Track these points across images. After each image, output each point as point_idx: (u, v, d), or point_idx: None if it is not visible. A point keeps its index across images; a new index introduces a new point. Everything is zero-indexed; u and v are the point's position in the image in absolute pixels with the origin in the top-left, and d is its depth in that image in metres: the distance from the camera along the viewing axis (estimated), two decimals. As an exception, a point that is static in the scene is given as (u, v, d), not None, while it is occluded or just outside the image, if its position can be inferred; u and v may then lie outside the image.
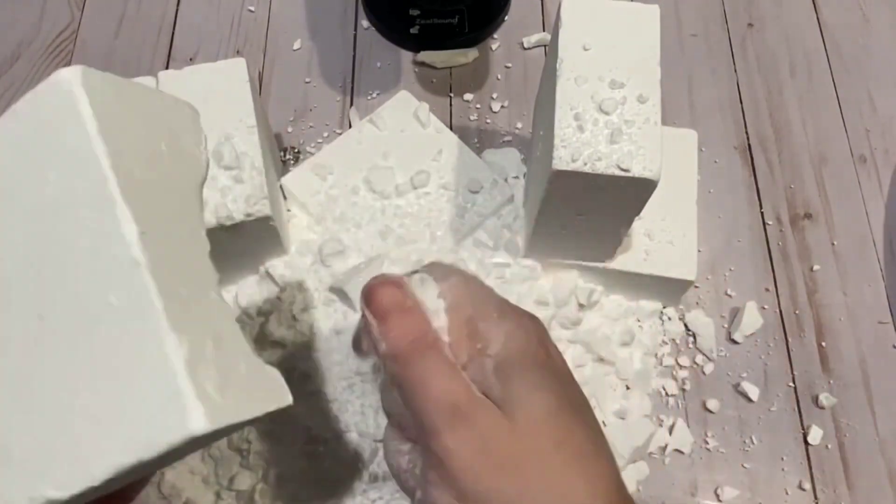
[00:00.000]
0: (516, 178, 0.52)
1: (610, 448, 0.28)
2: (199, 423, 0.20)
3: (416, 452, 0.29)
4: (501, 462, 0.25)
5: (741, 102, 0.58)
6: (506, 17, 0.61)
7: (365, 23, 0.61)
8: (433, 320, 0.28)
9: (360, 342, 0.31)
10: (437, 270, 0.30)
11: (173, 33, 0.61)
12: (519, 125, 0.57)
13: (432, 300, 0.28)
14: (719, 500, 0.46)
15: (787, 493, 0.46)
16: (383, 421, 0.44)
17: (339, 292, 0.46)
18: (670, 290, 0.48)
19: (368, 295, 0.28)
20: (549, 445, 0.26)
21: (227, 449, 0.44)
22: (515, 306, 0.30)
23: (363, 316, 0.29)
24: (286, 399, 0.25)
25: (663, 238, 0.47)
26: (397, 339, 0.27)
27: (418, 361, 0.27)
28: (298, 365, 0.45)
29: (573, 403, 0.28)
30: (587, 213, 0.41)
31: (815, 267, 0.52)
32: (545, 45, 0.60)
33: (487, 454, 0.25)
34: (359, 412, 0.44)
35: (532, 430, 0.26)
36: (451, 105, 0.58)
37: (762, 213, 0.54)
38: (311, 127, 0.57)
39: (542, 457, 0.26)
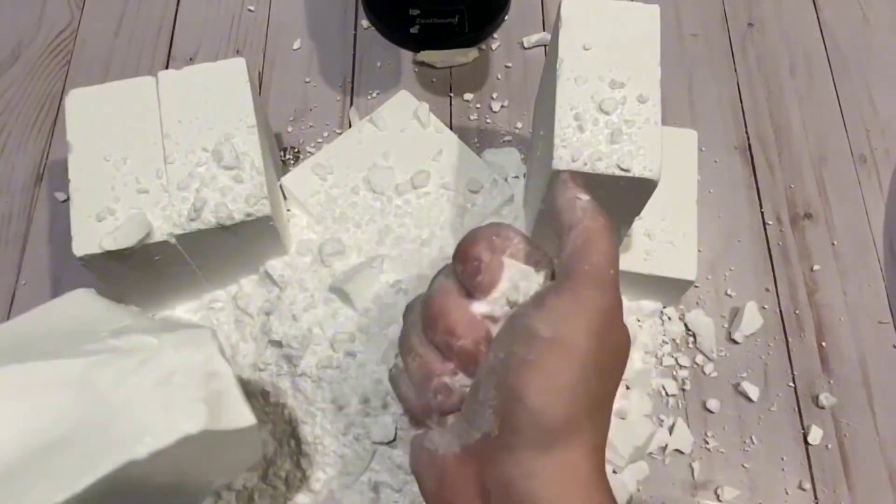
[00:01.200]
0: (516, 178, 0.52)
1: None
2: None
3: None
4: (595, 332, 0.28)
5: (741, 102, 0.58)
6: (506, 17, 0.61)
7: (365, 23, 0.61)
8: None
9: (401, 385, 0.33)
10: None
11: (173, 33, 0.61)
12: (519, 125, 0.57)
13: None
14: (719, 500, 0.46)
15: (787, 493, 0.46)
16: (383, 421, 0.44)
17: (339, 292, 0.46)
18: (670, 290, 0.48)
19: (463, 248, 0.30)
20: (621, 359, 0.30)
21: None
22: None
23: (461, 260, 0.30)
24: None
25: (663, 238, 0.47)
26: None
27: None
28: (298, 365, 0.45)
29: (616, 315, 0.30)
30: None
31: (815, 267, 0.52)
32: (545, 45, 0.60)
33: (589, 321, 0.28)
34: (359, 412, 0.44)
35: (622, 348, 0.30)
36: (451, 105, 0.58)
37: (762, 213, 0.54)
38: (311, 127, 0.57)
39: (614, 365, 0.29)
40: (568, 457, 0.27)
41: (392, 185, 0.50)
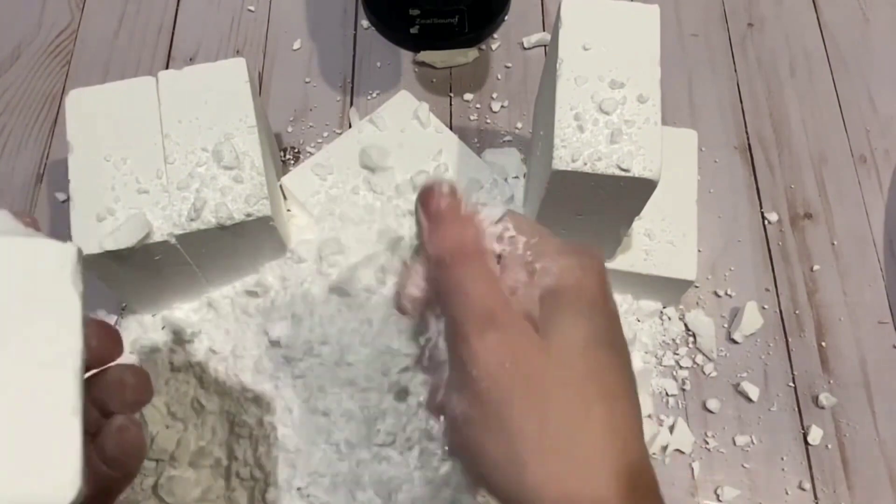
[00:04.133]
0: (516, 178, 0.52)
1: (638, 393, 0.27)
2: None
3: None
4: (526, 377, 0.25)
5: (741, 102, 0.58)
6: (506, 17, 0.61)
7: (365, 23, 0.61)
8: (490, 242, 0.28)
9: (404, 287, 0.30)
10: (510, 214, 0.30)
11: (173, 33, 0.61)
12: (519, 125, 0.57)
13: (491, 221, 0.28)
14: (719, 500, 0.46)
15: (787, 493, 0.46)
16: (383, 421, 0.44)
17: (340, 291, 0.46)
18: (670, 290, 0.48)
19: (425, 196, 0.28)
20: (578, 375, 0.26)
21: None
22: (578, 244, 0.29)
23: (417, 221, 0.28)
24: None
25: (663, 238, 0.47)
26: (443, 242, 0.27)
27: (460, 266, 0.27)
28: (297, 365, 0.45)
29: (613, 344, 0.27)
30: (587, 213, 0.41)
31: (815, 267, 0.52)
32: (545, 45, 0.60)
33: (513, 366, 0.25)
34: (359, 411, 0.44)
35: (564, 356, 0.26)
36: (451, 105, 0.58)
37: (762, 213, 0.54)
38: (311, 127, 0.57)
39: (567, 383, 0.25)
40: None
41: (392, 186, 0.50)
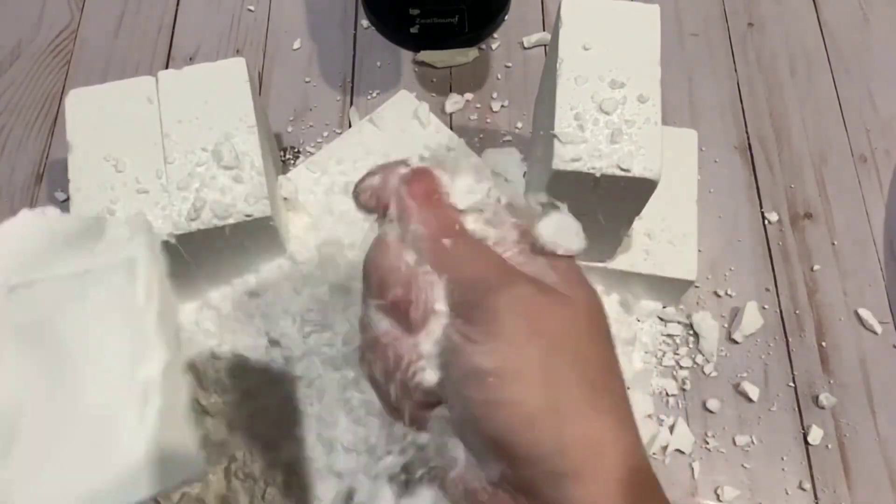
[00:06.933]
0: (516, 178, 0.52)
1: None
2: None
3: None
4: (539, 329, 0.25)
5: (741, 102, 0.58)
6: (506, 17, 0.61)
7: (365, 22, 0.61)
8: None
9: (364, 191, 0.30)
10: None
11: (173, 33, 0.61)
12: (519, 125, 0.57)
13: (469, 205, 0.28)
14: (719, 500, 0.46)
15: (787, 493, 0.46)
16: (383, 421, 0.44)
17: (339, 291, 0.46)
18: (670, 290, 0.48)
19: (412, 179, 0.28)
20: (593, 329, 0.26)
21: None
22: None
23: (396, 202, 0.28)
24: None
25: (663, 238, 0.47)
26: (434, 220, 0.27)
27: (463, 240, 0.27)
28: (297, 366, 0.45)
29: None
30: (587, 213, 0.41)
31: (816, 267, 0.52)
32: (545, 45, 0.60)
33: (546, 317, 0.25)
34: (357, 413, 0.44)
35: (580, 312, 0.26)
36: (450, 105, 0.57)
37: (762, 213, 0.54)
38: (311, 127, 0.57)
39: (581, 336, 0.26)
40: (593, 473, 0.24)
41: (392, 185, 0.50)
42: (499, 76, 0.59)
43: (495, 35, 0.61)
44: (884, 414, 0.48)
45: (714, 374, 0.49)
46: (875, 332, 0.50)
